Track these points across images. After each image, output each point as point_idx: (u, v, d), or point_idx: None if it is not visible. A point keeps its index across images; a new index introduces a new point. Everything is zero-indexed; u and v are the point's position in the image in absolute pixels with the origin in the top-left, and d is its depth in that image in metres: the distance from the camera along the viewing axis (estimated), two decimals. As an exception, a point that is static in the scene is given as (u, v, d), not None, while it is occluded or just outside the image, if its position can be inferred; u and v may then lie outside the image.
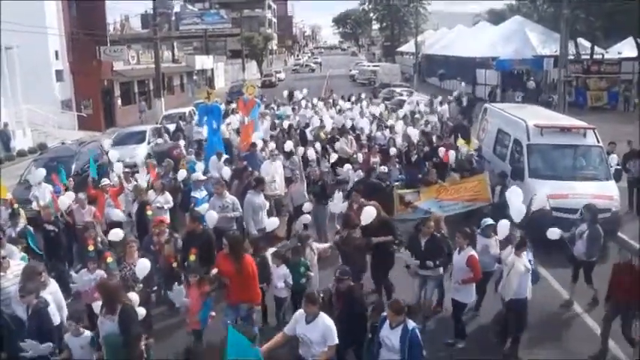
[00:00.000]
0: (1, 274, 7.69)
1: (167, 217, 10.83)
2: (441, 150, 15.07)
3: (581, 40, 40.94)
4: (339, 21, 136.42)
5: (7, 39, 25.17)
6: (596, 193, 11.88)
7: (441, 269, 8.81)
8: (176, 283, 8.05)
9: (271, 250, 8.98)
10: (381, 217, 9.43)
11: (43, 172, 13.21)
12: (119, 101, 35.33)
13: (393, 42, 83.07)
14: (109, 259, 8.41)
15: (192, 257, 8.73)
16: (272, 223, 10.22)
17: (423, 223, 8.99)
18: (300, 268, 8.54)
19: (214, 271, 8.02)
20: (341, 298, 7.22)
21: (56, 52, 30.72)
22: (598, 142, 13.28)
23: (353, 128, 19.62)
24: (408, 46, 68.68)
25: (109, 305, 6.57)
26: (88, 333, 6.81)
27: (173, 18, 75.17)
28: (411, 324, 6.26)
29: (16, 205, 10.99)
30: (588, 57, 38.86)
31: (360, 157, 15.31)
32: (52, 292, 7.49)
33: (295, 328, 6.39)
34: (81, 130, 30.50)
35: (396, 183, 13.61)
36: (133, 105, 36.81)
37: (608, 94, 34.54)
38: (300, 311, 6.44)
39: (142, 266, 8.00)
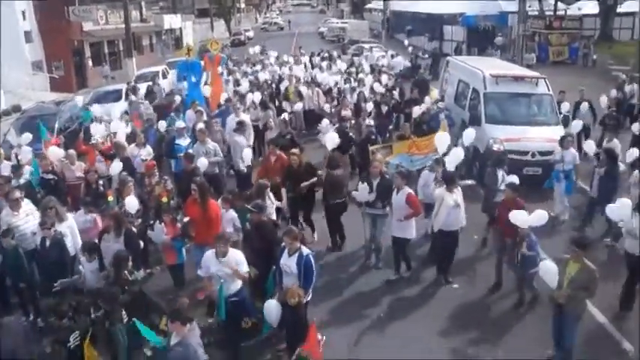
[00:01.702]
0: (15, 212, 8.70)
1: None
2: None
3: (545, -4, 42.20)
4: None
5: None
6: (545, 137, 13.21)
7: (387, 208, 9.59)
8: (157, 221, 8.86)
9: None
10: (306, 164, 10.70)
11: (29, 135, 13.54)
12: (90, 62, 35.50)
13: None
14: (110, 198, 9.46)
15: (165, 199, 9.67)
16: (247, 154, 11.70)
17: (374, 164, 9.94)
18: (246, 213, 8.80)
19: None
20: (255, 230, 8.28)
21: (23, 12, 30.68)
22: (548, 90, 14.63)
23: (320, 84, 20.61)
24: (377, 3, 69.00)
25: (117, 230, 7.73)
26: (96, 260, 7.93)
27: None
28: (306, 251, 7.18)
29: (20, 157, 11.67)
30: (552, 13, 40.15)
31: (327, 108, 16.40)
32: (69, 226, 8.53)
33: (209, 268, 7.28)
34: (53, 91, 30.75)
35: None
36: (104, 65, 36.97)
37: (569, 49, 35.91)
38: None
39: (131, 203, 9.00)
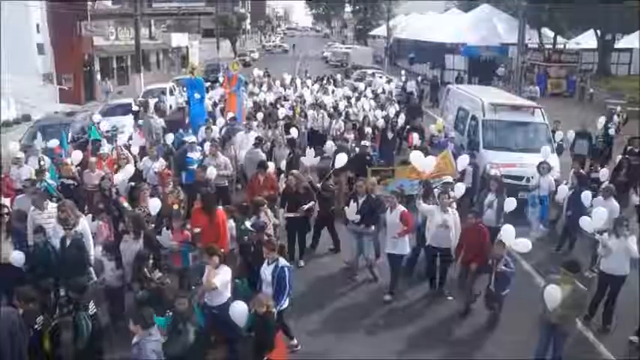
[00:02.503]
0: (39, 212, 9.26)
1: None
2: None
3: (545, 30, 43.29)
4: (312, 2, 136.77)
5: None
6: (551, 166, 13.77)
7: (374, 227, 10.13)
8: (165, 227, 9.28)
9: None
10: (304, 186, 10.98)
11: (56, 141, 14.21)
12: (98, 75, 36.27)
13: (365, 25, 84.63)
14: (125, 203, 10.02)
15: (176, 206, 10.23)
16: None
17: (358, 183, 10.50)
18: (242, 224, 9.30)
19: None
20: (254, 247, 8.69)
21: (37, 25, 31.50)
22: (544, 119, 15.33)
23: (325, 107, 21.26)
24: (380, 30, 70.47)
25: (136, 232, 8.28)
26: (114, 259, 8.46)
27: (146, -6, 75.24)
28: (282, 262, 7.63)
29: (42, 162, 12.26)
30: (551, 46, 41.21)
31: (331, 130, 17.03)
32: (82, 229, 9.06)
33: None
34: (61, 102, 31.36)
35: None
36: (112, 80, 37.75)
37: (566, 82, 36.82)
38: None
39: (154, 205, 9.55)
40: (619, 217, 9.09)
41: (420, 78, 36.20)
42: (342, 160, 12.19)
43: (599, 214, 8.97)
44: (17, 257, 8.20)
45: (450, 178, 11.49)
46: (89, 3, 51.00)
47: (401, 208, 9.63)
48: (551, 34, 43.42)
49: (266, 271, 7.67)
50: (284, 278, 7.54)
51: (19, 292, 6.85)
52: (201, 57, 61.43)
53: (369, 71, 38.28)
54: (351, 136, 16.28)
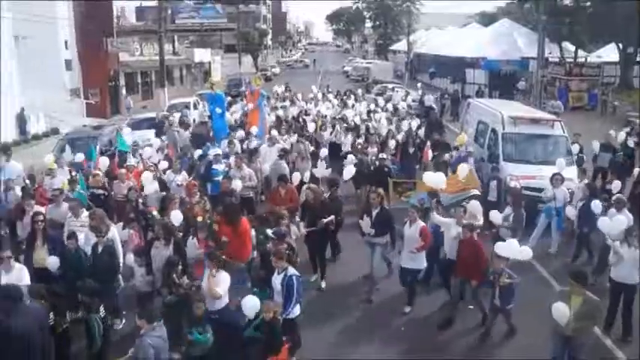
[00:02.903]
0: (74, 219, 9.70)
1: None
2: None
3: (566, 44, 43.27)
4: (333, 18, 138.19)
5: (21, 29, 26.89)
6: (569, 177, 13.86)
7: (387, 237, 10.18)
8: (190, 237, 9.52)
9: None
10: (323, 199, 11.05)
11: (81, 156, 14.69)
12: (124, 90, 37.15)
13: (385, 40, 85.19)
14: (154, 212, 10.40)
15: (200, 218, 10.46)
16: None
17: (372, 193, 10.51)
18: (260, 234, 9.57)
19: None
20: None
21: (65, 42, 32.52)
22: (564, 132, 15.44)
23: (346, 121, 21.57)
24: (400, 45, 70.92)
25: (167, 239, 8.62)
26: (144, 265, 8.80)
27: (169, 12, 76.71)
28: (291, 271, 7.79)
29: (74, 173, 12.71)
30: (572, 60, 41.15)
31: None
32: (112, 236, 9.43)
33: None
34: (88, 117, 32.20)
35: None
36: (136, 95, 38.66)
37: (588, 96, 36.64)
38: None
39: (176, 216, 9.90)
40: (631, 227, 9.20)
41: (439, 93, 36.39)
42: (349, 171, 12.43)
43: (619, 220, 9.13)
44: (53, 262, 8.59)
45: (475, 191, 11.66)
46: (115, 20, 52.40)
47: (421, 223, 9.72)
48: (572, 47, 43.37)
49: (276, 281, 7.87)
50: (292, 286, 7.71)
51: (31, 289, 7.17)
52: (223, 72, 62.46)
53: (390, 86, 38.58)
54: (374, 149, 16.41)
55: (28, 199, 10.40)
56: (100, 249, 8.90)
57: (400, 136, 17.96)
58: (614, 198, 10.98)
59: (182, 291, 7.97)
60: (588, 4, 40.27)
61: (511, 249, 8.63)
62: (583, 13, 39.82)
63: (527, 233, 11.71)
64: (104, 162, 12.99)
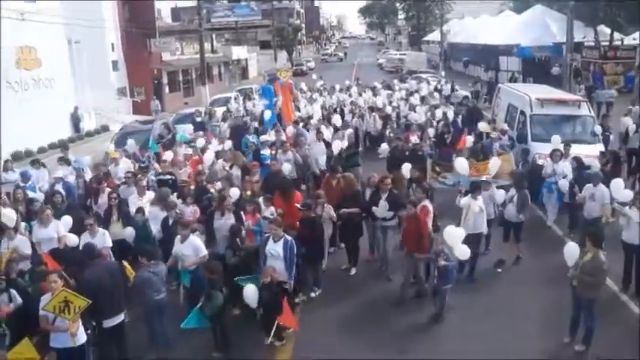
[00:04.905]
0: (140, 198, 11.12)
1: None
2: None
3: (602, 28, 43.19)
4: (366, 11, 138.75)
5: (72, 33, 28.71)
6: (584, 154, 14.67)
7: (397, 219, 10.53)
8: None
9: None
10: (353, 190, 11.41)
11: (133, 143, 16.48)
12: (167, 88, 38.97)
13: (419, 31, 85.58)
14: (212, 190, 11.73)
15: (248, 193, 11.72)
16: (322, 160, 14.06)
17: (381, 179, 10.95)
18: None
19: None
20: (302, 225, 9.87)
21: (112, 45, 34.44)
22: (590, 112, 16.22)
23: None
24: (434, 35, 71.23)
25: (229, 209, 9.91)
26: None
27: (204, 11, 78.68)
28: (289, 237, 8.75)
29: (142, 160, 14.22)
30: (607, 43, 41.10)
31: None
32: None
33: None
34: (135, 114, 33.99)
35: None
36: (178, 92, 40.47)
37: (624, 78, 36.59)
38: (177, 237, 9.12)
39: (234, 192, 11.11)
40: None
41: (473, 81, 37.06)
42: (384, 149, 14.01)
43: (617, 183, 10.24)
44: (129, 233, 9.98)
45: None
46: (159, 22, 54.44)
47: (425, 202, 10.15)
48: (607, 31, 43.25)
49: (276, 247, 8.71)
50: (293, 250, 8.70)
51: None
52: (259, 68, 64.04)
53: (424, 76, 39.23)
54: (415, 138, 16.83)
55: (103, 183, 11.92)
56: (170, 221, 10.26)
57: (438, 125, 18.65)
58: (591, 172, 11.70)
59: (243, 254, 9.20)
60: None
61: (455, 236, 9.04)
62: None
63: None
64: (169, 155, 14.34)
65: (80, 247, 8.99)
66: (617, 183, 10.57)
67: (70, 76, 28.34)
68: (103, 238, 9.39)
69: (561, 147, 13.62)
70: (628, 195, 10.29)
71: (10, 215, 9.70)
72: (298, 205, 10.33)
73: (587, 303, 8.17)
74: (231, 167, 13.42)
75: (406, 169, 12.63)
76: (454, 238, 9.01)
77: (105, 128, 29.22)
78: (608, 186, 10.76)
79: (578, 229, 11.41)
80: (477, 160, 14.15)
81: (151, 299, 8.12)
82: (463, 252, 9.04)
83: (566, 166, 12.84)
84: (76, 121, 28.17)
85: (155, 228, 10.40)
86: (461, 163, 12.70)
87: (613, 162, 13.16)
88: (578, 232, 11.29)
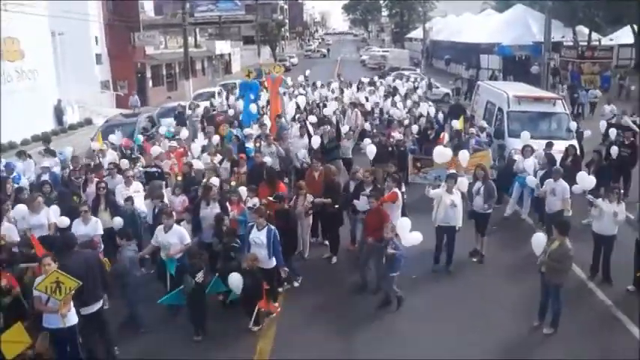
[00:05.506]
0: (127, 187, 11.43)
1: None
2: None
3: (581, 28, 44.08)
4: (349, 8, 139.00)
5: (56, 25, 28.68)
6: (560, 150, 15.20)
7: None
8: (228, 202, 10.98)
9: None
10: (332, 181, 11.81)
11: (119, 135, 16.76)
12: (150, 82, 39.02)
13: (402, 28, 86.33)
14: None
15: (233, 183, 12.04)
16: (303, 154, 14.46)
17: (365, 174, 11.41)
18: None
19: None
20: (277, 216, 10.01)
21: (96, 38, 34.41)
22: (565, 109, 16.79)
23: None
24: (417, 33, 72.04)
25: (214, 199, 10.25)
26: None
27: (188, 5, 78.47)
28: (272, 226, 9.07)
29: (133, 154, 14.48)
30: (586, 43, 41.96)
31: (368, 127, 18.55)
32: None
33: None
34: (118, 108, 33.99)
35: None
36: (162, 86, 40.56)
37: (601, 78, 37.42)
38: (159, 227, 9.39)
39: (215, 181, 11.53)
40: (613, 185, 10.69)
41: (454, 79, 37.72)
42: (371, 151, 14.31)
43: (581, 175, 10.97)
44: (118, 221, 10.26)
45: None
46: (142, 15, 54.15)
47: (395, 189, 10.80)
48: (586, 31, 44.14)
49: (260, 236, 9.01)
50: (276, 238, 9.02)
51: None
52: (243, 63, 64.16)
53: (406, 73, 39.77)
54: (396, 134, 16.94)
55: (91, 173, 12.24)
56: (156, 210, 10.58)
57: (419, 121, 18.99)
58: (553, 169, 12.05)
59: (226, 240, 9.53)
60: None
61: (402, 226, 9.39)
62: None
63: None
64: (156, 150, 14.51)
65: (70, 234, 9.21)
66: (581, 175, 11.16)
67: (53, 68, 28.35)
68: (95, 226, 9.72)
69: (533, 142, 14.15)
70: (591, 181, 10.92)
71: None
72: (271, 198, 10.61)
73: (555, 288, 8.65)
74: (221, 162, 13.69)
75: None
76: (401, 228, 9.37)
77: (88, 121, 29.26)
78: (571, 179, 11.30)
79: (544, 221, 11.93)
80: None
81: (135, 277, 8.59)
82: (411, 240, 9.33)
83: (531, 162, 13.19)
84: (59, 113, 28.20)
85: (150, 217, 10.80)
86: (440, 152, 13.06)
87: (573, 157, 13.59)
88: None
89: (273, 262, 9.21)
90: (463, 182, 11.45)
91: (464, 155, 13.17)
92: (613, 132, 16.73)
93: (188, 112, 23.49)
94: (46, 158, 14.41)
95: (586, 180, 11.03)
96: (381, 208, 10.26)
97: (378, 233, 9.70)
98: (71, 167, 13.64)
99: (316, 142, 15.03)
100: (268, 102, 21.70)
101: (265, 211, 9.55)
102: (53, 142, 19.99)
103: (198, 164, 13.46)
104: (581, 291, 10.11)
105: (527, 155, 13.37)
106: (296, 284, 10.52)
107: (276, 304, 9.60)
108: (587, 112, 27.62)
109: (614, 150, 14.48)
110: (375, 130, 19.60)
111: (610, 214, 10.03)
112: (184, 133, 16.67)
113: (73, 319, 7.35)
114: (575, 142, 15.74)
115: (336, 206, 11.43)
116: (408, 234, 9.34)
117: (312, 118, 19.33)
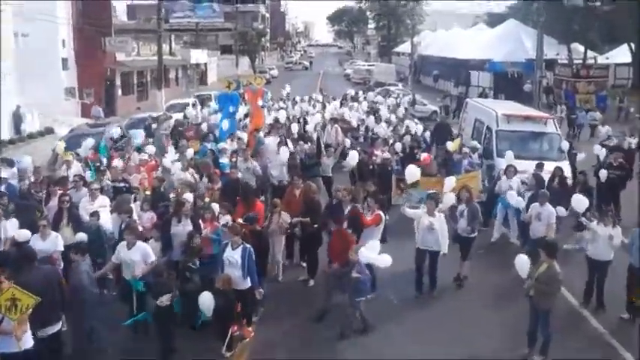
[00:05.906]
0: (92, 202, 11.41)
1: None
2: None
3: (576, 45, 44.98)
4: (334, 19, 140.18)
5: (20, 26, 28.55)
6: (550, 170, 15.42)
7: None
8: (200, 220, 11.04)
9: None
10: (310, 199, 11.86)
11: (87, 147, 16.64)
12: (119, 91, 38.94)
13: (389, 42, 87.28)
14: (172, 195, 12.05)
15: (207, 199, 12.10)
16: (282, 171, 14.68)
17: (342, 192, 11.60)
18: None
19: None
20: (251, 237, 10.05)
21: (63, 41, 34.24)
22: (556, 129, 17.12)
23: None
24: (405, 47, 72.85)
25: (186, 215, 10.28)
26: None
27: (163, 10, 78.64)
28: (247, 245, 9.13)
29: (101, 166, 14.44)
30: (581, 61, 42.74)
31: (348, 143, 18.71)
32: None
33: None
34: (83, 117, 33.76)
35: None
36: (132, 95, 40.52)
37: (596, 97, 37.76)
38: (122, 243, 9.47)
39: (188, 197, 11.51)
40: (607, 209, 10.91)
41: (443, 96, 38.23)
42: (353, 157, 14.77)
43: (577, 197, 11.23)
44: (81, 237, 10.16)
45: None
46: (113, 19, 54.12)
47: (377, 211, 11.07)
48: (581, 48, 44.95)
49: (234, 255, 9.06)
50: (251, 257, 9.06)
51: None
52: (219, 73, 64.26)
53: (392, 88, 40.16)
54: (379, 152, 16.88)
55: (55, 186, 12.10)
56: (123, 226, 10.54)
57: (406, 140, 18.93)
58: (540, 192, 12.17)
59: (184, 258, 9.64)
60: (598, 4, 41.68)
61: (371, 252, 9.51)
62: (593, 14, 41.35)
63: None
64: (120, 163, 14.58)
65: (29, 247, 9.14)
66: (576, 197, 11.46)
67: (14, 71, 28.12)
68: (55, 241, 9.68)
69: (522, 163, 14.47)
70: (586, 203, 11.27)
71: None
72: (240, 220, 10.64)
73: (544, 313, 8.79)
74: (201, 177, 13.77)
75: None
76: (370, 250, 9.50)
77: (49, 130, 28.73)
78: (557, 202, 11.57)
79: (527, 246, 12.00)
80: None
81: (92, 294, 8.54)
82: (380, 263, 9.49)
83: (514, 182, 13.49)
84: (17, 120, 27.85)
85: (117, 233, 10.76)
86: (410, 172, 13.47)
87: (559, 178, 13.71)
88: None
89: (248, 282, 9.20)
90: (449, 198, 11.70)
91: (450, 182, 13.23)
92: (602, 152, 17.10)
93: (154, 125, 23.46)
94: (2, 168, 14.30)
95: (581, 202, 11.29)
96: (345, 230, 10.42)
97: (342, 257, 9.81)
98: (32, 179, 13.53)
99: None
100: (246, 115, 21.84)
101: (240, 229, 9.61)
102: (10, 151, 19.81)
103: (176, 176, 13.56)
104: (573, 317, 10.29)
105: (510, 176, 13.61)
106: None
107: (250, 329, 9.62)
108: (587, 134, 27.92)
109: (603, 174, 14.83)
110: (358, 148, 19.69)
111: (605, 237, 10.23)
112: (150, 148, 16.69)
113: (29, 342, 7.23)
114: (566, 164, 15.95)
115: (315, 226, 11.52)
116: (377, 257, 9.46)
117: (295, 127, 19.55)
